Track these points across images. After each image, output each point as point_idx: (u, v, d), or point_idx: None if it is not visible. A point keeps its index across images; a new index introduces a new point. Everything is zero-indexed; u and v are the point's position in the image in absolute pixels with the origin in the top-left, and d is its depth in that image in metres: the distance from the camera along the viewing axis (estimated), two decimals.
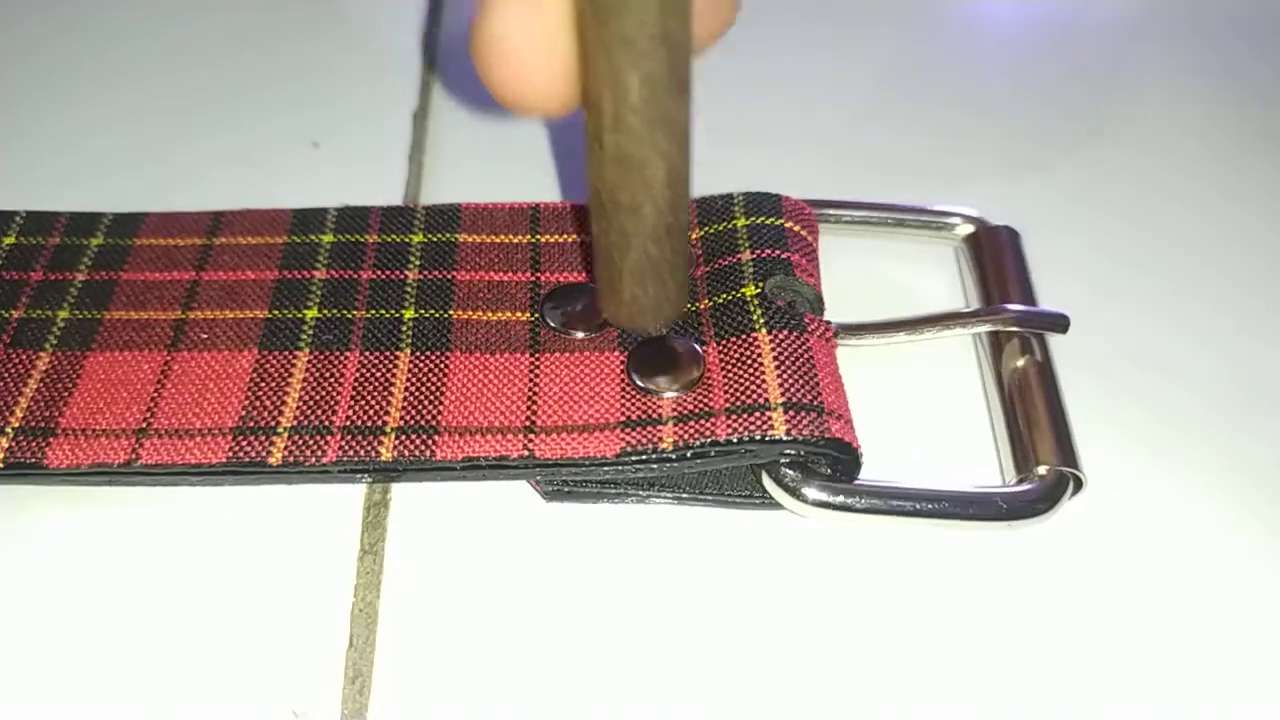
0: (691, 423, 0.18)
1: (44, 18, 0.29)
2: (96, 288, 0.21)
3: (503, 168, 0.26)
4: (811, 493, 0.18)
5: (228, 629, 0.18)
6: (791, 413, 0.18)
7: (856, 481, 0.18)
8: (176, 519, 0.19)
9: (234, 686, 0.17)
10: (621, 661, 0.18)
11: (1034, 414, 0.20)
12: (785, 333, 0.19)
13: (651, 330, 0.18)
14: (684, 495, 0.19)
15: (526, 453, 0.18)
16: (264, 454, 0.18)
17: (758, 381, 0.18)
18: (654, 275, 0.17)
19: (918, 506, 0.18)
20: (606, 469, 0.18)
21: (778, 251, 0.21)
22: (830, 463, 0.18)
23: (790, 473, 0.18)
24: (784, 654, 0.18)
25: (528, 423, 0.19)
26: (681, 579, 0.19)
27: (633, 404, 0.19)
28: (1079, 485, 0.19)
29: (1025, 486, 0.19)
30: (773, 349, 0.19)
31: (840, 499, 0.18)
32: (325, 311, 0.21)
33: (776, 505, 0.19)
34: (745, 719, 0.17)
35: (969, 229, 0.23)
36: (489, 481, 0.19)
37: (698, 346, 0.20)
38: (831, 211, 0.23)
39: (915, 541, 0.19)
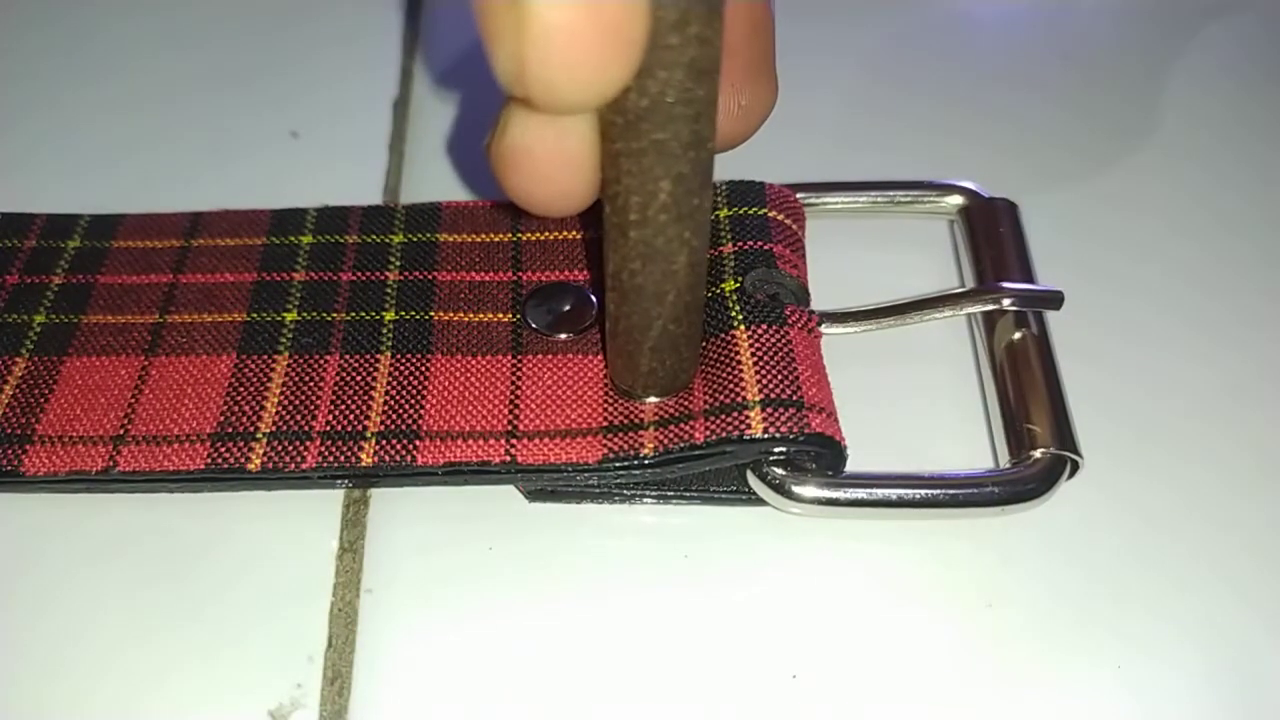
0: (671, 427, 0.18)
1: (15, 10, 0.29)
2: (73, 291, 0.21)
3: (484, 156, 0.25)
4: (796, 489, 0.18)
5: (203, 629, 0.18)
6: (769, 410, 0.18)
7: (844, 474, 0.18)
8: (152, 515, 0.19)
9: (210, 689, 0.17)
10: (605, 660, 0.17)
11: (1029, 394, 0.19)
12: (764, 327, 0.19)
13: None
14: (669, 494, 0.19)
15: (509, 458, 0.18)
16: (243, 460, 0.18)
17: (735, 380, 0.18)
18: (672, 349, 0.17)
19: (906, 496, 0.18)
20: (589, 475, 0.18)
21: (760, 243, 0.20)
22: (814, 458, 0.18)
23: (774, 470, 0.18)
24: (774, 650, 0.17)
25: (510, 427, 0.18)
26: (666, 575, 0.18)
27: (615, 409, 0.19)
28: (1075, 468, 0.19)
29: (1020, 471, 0.19)
30: (751, 345, 0.18)
31: (825, 494, 0.18)
32: (305, 314, 0.20)
33: (764, 501, 0.19)
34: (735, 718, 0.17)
35: (963, 201, 0.23)
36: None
37: None
38: (817, 196, 0.23)
39: (907, 525, 0.19)
